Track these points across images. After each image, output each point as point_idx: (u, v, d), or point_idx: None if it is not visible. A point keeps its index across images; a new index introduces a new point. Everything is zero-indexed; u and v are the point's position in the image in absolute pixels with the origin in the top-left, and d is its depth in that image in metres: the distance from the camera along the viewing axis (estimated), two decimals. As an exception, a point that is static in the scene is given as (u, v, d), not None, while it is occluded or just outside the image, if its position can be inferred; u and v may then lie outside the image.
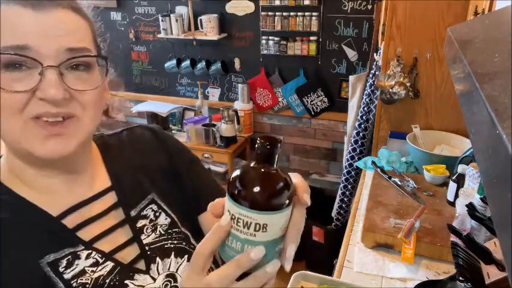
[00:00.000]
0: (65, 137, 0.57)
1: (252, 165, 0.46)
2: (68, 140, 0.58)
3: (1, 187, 0.62)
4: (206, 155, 3.13)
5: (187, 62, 3.30)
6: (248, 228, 0.45)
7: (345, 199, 2.56)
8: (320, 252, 2.75)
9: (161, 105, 3.35)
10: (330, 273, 1.44)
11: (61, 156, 0.58)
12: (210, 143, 3.11)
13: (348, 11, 2.82)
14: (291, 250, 0.47)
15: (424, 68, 1.94)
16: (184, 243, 0.72)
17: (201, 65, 3.27)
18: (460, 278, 0.95)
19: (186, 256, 0.71)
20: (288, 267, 0.48)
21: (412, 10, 1.88)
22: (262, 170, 0.46)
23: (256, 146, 0.46)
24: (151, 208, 0.73)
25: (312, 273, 1.06)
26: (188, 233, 0.75)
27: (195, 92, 3.47)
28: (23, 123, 0.55)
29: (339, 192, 2.59)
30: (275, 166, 0.46)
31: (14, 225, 0.60)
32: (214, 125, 3.10)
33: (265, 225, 0.45)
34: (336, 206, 2.69)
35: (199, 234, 0.77)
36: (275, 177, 0.46)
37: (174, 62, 3.33)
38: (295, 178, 0.49)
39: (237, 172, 0.47)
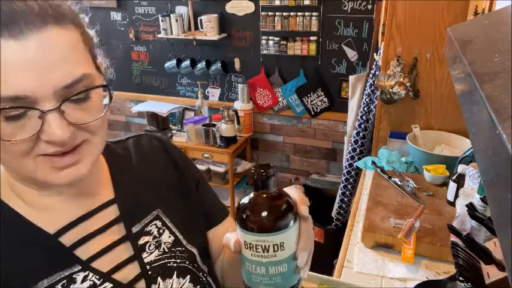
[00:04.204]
0: (78, 162, 0.56)
1: (254, 194, 0.50)
2: (81, 164, 0.56)
3: None
4: (206, 155, 3.13)
5: (187, 62, 3.30)
6: (268, 252, 0.48)
7: (345, 199, 2.56)
8: (320, 252, 2.73)
9: (161, 105, 3.35)
10: (330, 273, 1.44)
11: (76, 181, 0.56)
12: (210, 143, 3.11)
13: (348, 11, 2.82)
14: (302, 258, 0.51)
15: (424, 68, 1.94)
16: (187, 262, 0.69)
17: (201, 65, 3.27)
18: (460, 278, 0.95)
19: (188, 276, 0.67)
20: (303, 273, 0.52)
21: (412, 10, 1.88)
22: (265, 195, 0.50)
23: (253, 176, 0.50)
24: (155, 224, 0.69)
25: (312, 273, 1.07)
26: (194, 251, 0.71)
27: (195, 92, 3.46)
28: (33, 160, 0.53)
29: (339, 192, 2.59)
30: (274, 189, 0.51)
31: (6, 245, 0.56)
32: (214, 125, 3.10)
33: (282, 244, 0.49)
34: (336, 206, 2.69)
35: (206, 251, 0.76)
36: (279, 198, 0.50)
37: (174, 62, 3.33)
38: (292, 191, 0.52)
39: (243, 204, 0.50)
